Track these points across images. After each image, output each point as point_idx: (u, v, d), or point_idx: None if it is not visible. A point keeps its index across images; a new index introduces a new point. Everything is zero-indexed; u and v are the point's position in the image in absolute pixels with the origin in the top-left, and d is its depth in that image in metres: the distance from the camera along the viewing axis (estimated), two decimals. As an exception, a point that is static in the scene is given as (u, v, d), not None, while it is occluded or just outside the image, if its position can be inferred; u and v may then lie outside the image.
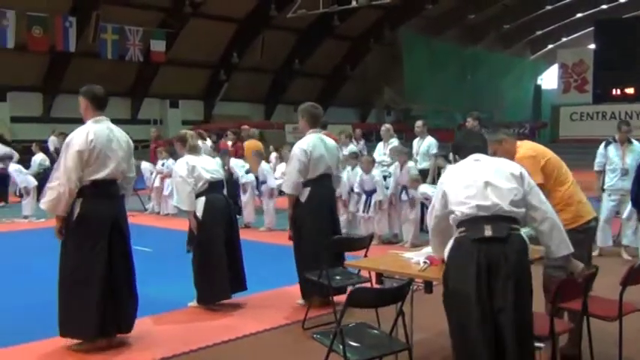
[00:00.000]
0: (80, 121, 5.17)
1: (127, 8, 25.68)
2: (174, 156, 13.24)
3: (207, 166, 6.18)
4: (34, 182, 12.45)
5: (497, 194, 3.48)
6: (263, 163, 11.34)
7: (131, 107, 29.50)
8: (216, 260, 5.97)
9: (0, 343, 5.03)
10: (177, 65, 28.94)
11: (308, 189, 5.97)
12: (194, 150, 6.24)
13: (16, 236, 10.81)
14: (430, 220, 3.85)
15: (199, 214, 6.01)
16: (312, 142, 5.98)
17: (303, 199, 5.98)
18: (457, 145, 3.99)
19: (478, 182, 3.53)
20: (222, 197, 6.22)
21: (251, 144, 12.68)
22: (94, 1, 24.89)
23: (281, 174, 10.74)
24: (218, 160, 9.70)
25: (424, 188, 8.91)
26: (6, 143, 14.62)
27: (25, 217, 12.27)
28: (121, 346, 4.98)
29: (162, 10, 27.18)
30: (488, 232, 3.37)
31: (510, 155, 4.34)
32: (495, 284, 3.32)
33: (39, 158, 15.08)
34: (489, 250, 3.36)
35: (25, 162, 14.26)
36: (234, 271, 6.12)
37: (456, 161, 3.90)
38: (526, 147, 4.58)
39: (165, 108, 31.05)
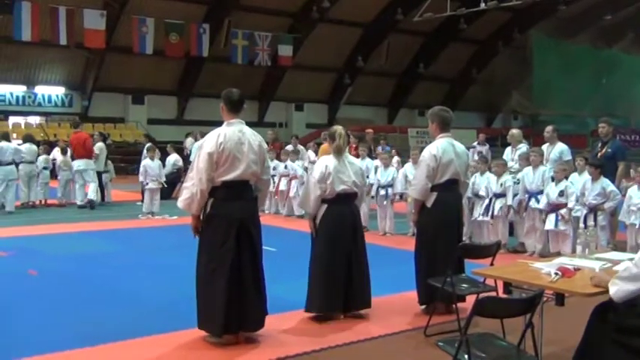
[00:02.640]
0: (211, 123, 5.36)
1: (256, 14, 26.55)
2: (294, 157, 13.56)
3: (345, 175, 5.86)
4: (157, 184, 13.00)
5: None
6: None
7: (258, 110, 30.41)
8: (333, 272, 5.77)
9: (145, 332, 5.37)
10: (303, 69, 29.54)
11: (435, 194, 5.87)
12: (339, 151, 5.93)
13: (153, 232, 11.39)
14: None
15: (318, 220, 5.89)
16: (442, 147, 5.87)
17: (429, 204, 5.90)
18: None
19: None
20: (347, 209, 5.91)
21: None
22: (226, 8, 25.87)
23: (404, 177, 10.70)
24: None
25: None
26: (152, 141, 15.39)
27: (152, 214, 12.82)
28: (249, 342, 5.13)
29: (290, 15, 27.86)
30: None
31: None
32: None
33: (173, 159, 15.86)
34: None
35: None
36: (355, 286, 5.86)
37: None
38: None
39: (290, 111, 31.78)
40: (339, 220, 5.85)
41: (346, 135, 6.09)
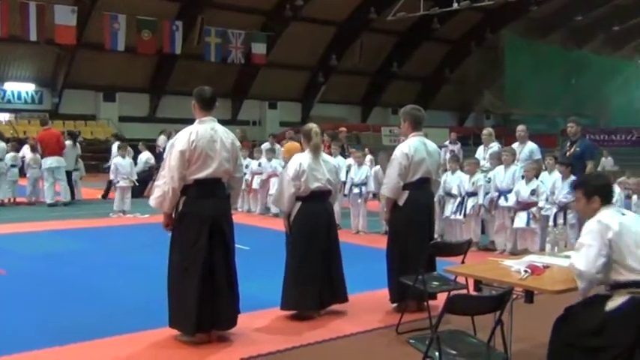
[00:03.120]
0: (184, 121, 5.32)
1: (229, 12, 26.42)
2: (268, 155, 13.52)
3: (319, 173, 5.82)
4: (129, 182, 12.89)
5: None
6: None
7: (232, 108, 30.27)
8: (308, 269, 5.75)
9: (116, 331, 5.31)
10: (277, 67, 29.47)
11: (406, 192, 5.89)
12: (316, 149, 5.87)
13: (124, 231, 11.28)
14: (591, 266, 3.66)
15: (292, 218, 5.86)
16: (414, 146, 5.90)
17: (400, 202, 5.92)
18: (605, 186, 3.94)
19: None
20: (321, 207, 5.89)
21: (292, 146, 12.44)
22: (199, 5, 25.70)
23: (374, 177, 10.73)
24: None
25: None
26: (121, 140, 15.24)
27: (123, 212, 12.70)
28: (221, 341, 5.11)
29: (264, 13, 27.79)
30: None
31: None
32: None
33: (145, 157, 15.73)
34: None
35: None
36: (330, 283, 5.87)
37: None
38: None
39: (264, 109, 31.71)
40: (314, 217, 5.83)
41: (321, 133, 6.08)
